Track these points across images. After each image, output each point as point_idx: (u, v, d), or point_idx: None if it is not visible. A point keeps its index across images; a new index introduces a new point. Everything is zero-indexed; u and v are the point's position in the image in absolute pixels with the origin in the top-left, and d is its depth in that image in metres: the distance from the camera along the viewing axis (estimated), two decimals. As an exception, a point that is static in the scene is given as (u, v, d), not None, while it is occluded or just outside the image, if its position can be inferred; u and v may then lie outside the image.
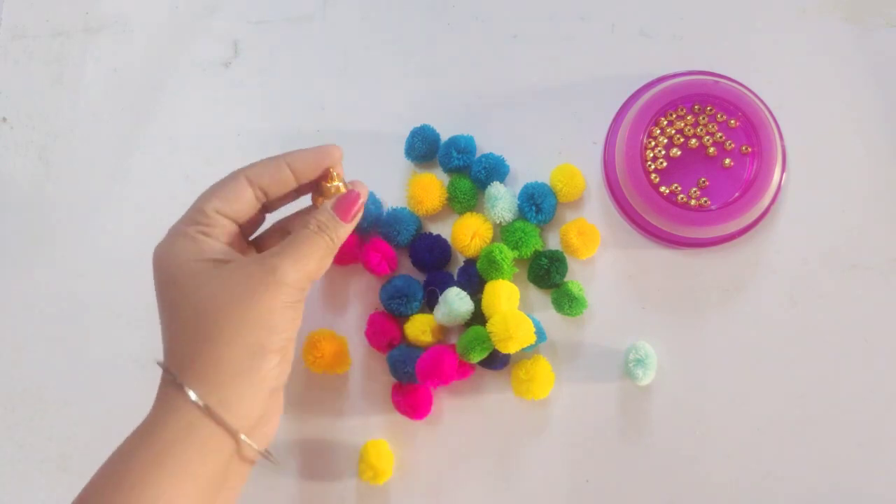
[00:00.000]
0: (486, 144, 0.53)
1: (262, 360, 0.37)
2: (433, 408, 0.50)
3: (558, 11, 0.54)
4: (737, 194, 0.49)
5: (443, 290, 0.48)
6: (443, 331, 0.50)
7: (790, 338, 0.50)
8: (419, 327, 0.49)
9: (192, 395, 0.36)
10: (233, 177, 0.41)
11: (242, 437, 0.37)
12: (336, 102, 0.55)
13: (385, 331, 0.49)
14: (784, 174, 0.51)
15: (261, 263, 0.38)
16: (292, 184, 0.42)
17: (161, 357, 0.40)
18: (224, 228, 0.40)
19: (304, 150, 0.42)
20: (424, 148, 0.52)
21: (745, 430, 0.50)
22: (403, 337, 0.50)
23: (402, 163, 0.53)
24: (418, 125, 0.52)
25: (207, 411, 0.36)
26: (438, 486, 0.50)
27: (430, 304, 0.50)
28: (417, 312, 0.50)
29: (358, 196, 0.42)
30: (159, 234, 0.54)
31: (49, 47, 0.57)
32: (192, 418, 0.36)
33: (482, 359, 0.48)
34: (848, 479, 0.49)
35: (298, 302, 0.39)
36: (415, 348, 0.50)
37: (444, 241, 0.51)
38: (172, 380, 0.37)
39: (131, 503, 0.34)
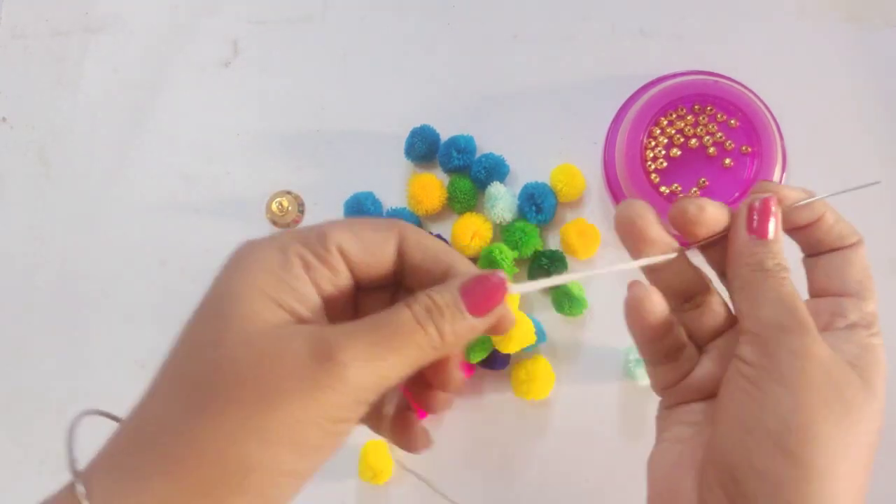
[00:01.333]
0: (486, 144, 0.53)
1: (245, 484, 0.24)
2: (433, 408, 0.50)
3: (558, 11, 0.54)
4: (737, 194, 0.49)
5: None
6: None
7: (790, 338, 0.50)
8: None
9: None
10: (385, 224, 0.28)
11: None
12: (336, 102, 0.55)
13: None
14: (784, 174, 0.51)
15: (317, 341, 0.24)
16: (436, 281, 0.27)
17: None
18: (339, 280, 0.27)
19: (467, 263, 0.28)
20: (424, 148, 0.52)
21: (744, 429, 0.50)
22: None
23: (402, 163, 0.53)
24: (418, 125, 0.52)
25: None
26: (439, 486, 0.50)
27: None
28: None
29: (503, 283, 0.27)
30: (159, 233, 0.54)
31: (49, 47, 0.57)
32: None
33: (482, 359, 0.48)
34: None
35: (350, 418, 0.25)
36: None
37: (444, 241, 0.51)
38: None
39: None
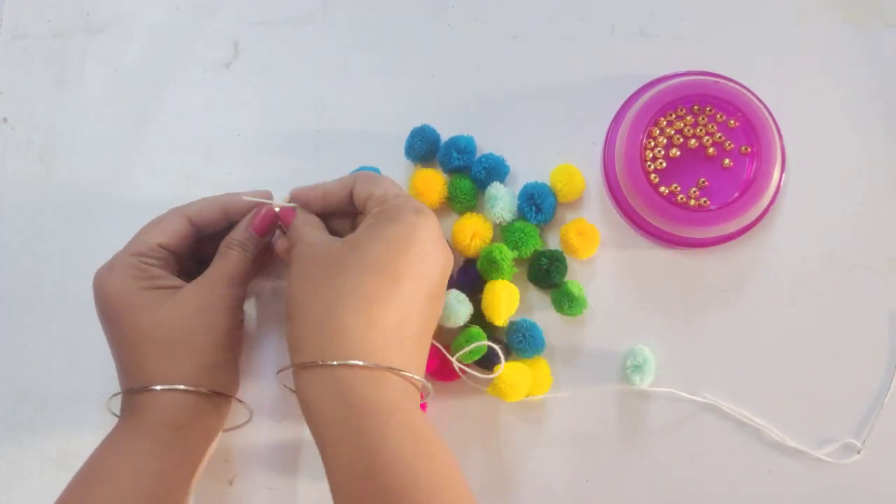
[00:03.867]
0: (486, 144, 0.53)
1: (226, 361, 0.46)
2: (433, 408, 0.50)
3: (558, 11, 0.54)
4: (736, 194, 0.49)
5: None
6: (440, 331, 0.50)
7: (789, 338, 0.50)
8: None
9: (155, 387, 0.43)
10: (174, 214, 0.47)
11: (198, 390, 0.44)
12: (336, 103, 0.55)
13: None
14: (783, 174, 0.51)
15: (207, 287, 0.45)
16: (225, 223, 0.48)
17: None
18: (166, 260, 0.46)
19: (239, 194, 0.48)
20: (424, 148, 0.52)
21: (744, 429, 0.50)
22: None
23: (402, 163, 0.53)
24: (418, 125, 0.52)
25: (162, 392, 0.43)
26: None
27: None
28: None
29: (270, 212, 0.47)
30: (159, 234, 0.54)
31: (49, 47, 0.57)
32: (147, 404, 0.44)
33: (477, 359, 0.48)
34: (847, 478, 0.49)
35: (238, 301, 0.47)
36: None
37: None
38: (134, 393, 0.44)
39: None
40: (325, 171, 0.53)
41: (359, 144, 0.54)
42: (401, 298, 0.40)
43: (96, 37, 0.57)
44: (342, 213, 0.47)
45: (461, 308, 0.48)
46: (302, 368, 0.40)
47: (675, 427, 0.50)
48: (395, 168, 0.53)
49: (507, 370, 0.47)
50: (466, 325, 0.49)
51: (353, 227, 0.46)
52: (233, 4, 0.56)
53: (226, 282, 0.45)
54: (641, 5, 0.54)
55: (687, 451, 0.50)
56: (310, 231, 0.45)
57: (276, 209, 0.47)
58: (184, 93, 0.56)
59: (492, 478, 0.50)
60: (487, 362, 0.49)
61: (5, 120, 0.57)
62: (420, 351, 0.42)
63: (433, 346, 0.49)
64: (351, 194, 0.46)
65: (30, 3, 0.58)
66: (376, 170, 0.52)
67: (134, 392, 0.44)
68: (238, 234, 0.47)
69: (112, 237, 0.54)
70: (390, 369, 0.39)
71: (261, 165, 0.54)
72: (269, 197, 0.48)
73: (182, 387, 0.43)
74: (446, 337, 0.51)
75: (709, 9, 0.54)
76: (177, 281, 0.45)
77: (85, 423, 0.53)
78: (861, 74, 0.52)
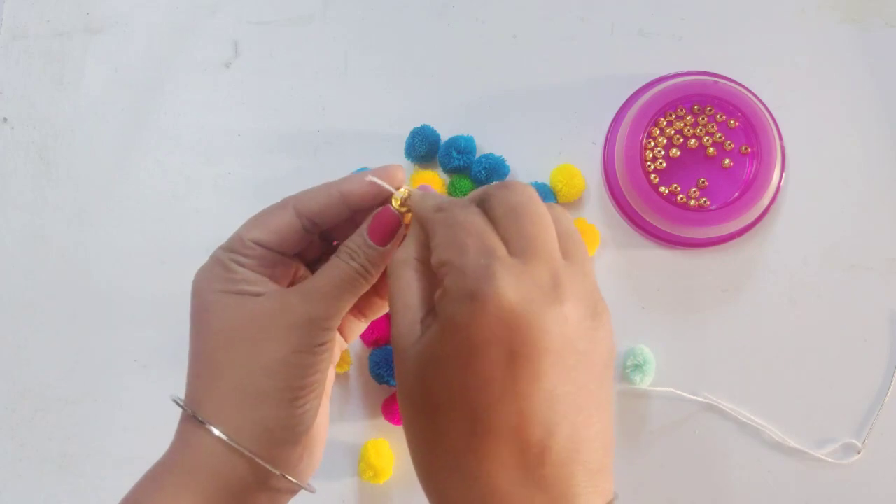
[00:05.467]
0: (486, 144, 0.53)
1: (272, 390, 0.33)
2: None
3: (558, 11, 0.54)
4: (736, 194, 0.49)
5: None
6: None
7: (789, 338, 0.50)
8: None
9: (211, 429, 0.32)
10: (280, 206, 0.36)
11: (274, 470, 0.33)
12: (336, 103, 0.55)
13: (374, 327, 0.50)
14: (783, 174, 0.51)
15: (278, 300, 0.33)
16: (345, 212, 0.35)
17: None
18: (262, 259, 0.35)
19: (361, 173, 0.35)
20: (424, 148, 0.52)
21: (744, 429, 0.50)
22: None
23: (403, 163, 0.53)
24: (418, 125, 0.52)
25: (219, 439, 0.32)
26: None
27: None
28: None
29: (394, 216, 0.34)
30: (160, 234, 0.54)
31: (49, 47, 0.57)
32: (204, 445, 0.32)
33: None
34: (847, 478, 0.49)
35: (320, 345, 0.33)
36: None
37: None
38: (188, 413, 0.34)
39: None
40: (326, 171, 0.53)
41: (359, 144, 0.54)
42: None
43: (96, 37, 0.57)
44: None
45: None
46: None
47: (675, 427, 0.50)
48: (395, 168, 0.53)
49: None
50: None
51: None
52: (233, 4, 0.56)
53: (313, 297, 0.33)
54: (641, 5, 0.54)
55: (687, 451, 0.50)
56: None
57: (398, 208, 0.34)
58: (184, 93, 0.56)
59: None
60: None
61: (5, 120, 0.57)
62: None
63: None
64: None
65: (30, 3, 0.58)
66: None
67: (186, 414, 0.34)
68: (353, 240, 0.35)
69: (112, 237, 0.55)
70: None
71: (261, 165, 0.54)
72: (398, 174, 0.35)
73: (217, 432, 0.32)
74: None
75: (709, 9, 0.53)
76: (270, 287, 0.35)
77: (85, 423, 0.53)
78: (861, 74, 0.52)
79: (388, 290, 0.31)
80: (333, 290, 0.33)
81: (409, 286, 0.30)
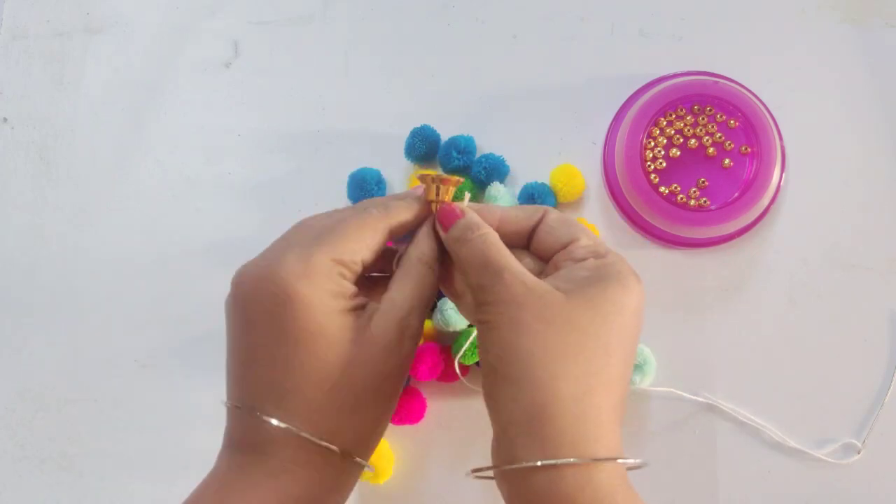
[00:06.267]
0: (486, 144, 0.53)
1: (385, 408, 0.34)
2: (433, 408, 0.50)
3: (558, 11, 0.54)
4: (736, 194, 0.49)
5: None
6: (438, 334, 0.50)
7: (789, 338, 0.50)
8: None
9: (298, 432, 0.32)
10: (377, 226, 0.35)
11: (358, 460, 0.33)
12: (336, 102, 0.55)
13: None
14: (783, 174, 0.51)
15: (389, 317, 0.33)
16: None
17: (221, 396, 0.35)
18: (356, 275, 0.34)
19: (404, 202, 0.36)
20: (424, 148, 0.52)
21: (744, 429, 0.50)
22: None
23: (403, 163, 0.53)
24: (418, 125, 0.52)
25: (306, 440, 0.32)
26: (438, 486, 0.50)
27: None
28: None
29: (454, 206, 0.35)
30: (159, 233, 0.54)
31: (49, 47, 0.57)
32: (290, 448, 0.32)
33: (478, 360, 0.48)
34: (847, 478, 0.49)
35: (418, 339, 0.35)
36: None
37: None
38: (258, 420, 0.32)
39: None
40: (325, 171, 0.53)
41: (359, 144, 0.54)
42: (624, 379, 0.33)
43: (96, 37, 0.57)
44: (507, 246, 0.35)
45: (459, 318, 0.48)
46: (551, 467, 0.30)
47: (675, 427, 0.50)
48: (395, 168, 0.53)
49: None
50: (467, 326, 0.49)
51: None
52: (233, 4, 0.56)
53: (418, 310, 0.34)
54: (641, 5, 0.54)
55: (687, 451, 0.50)
56: (512, 261, 0.33)
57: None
58: (184, 93, 0.56)
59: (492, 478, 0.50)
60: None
61: (5, 120, 0.57)
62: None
63: (435, 347, 0.49)
64: (533, 228, 0.35)
65: (30, 3, 0.58)
66: (376, 171, 0.52)
67: (273, 431, 0.32)
68: (425, 245, 0.35)
69: (112, 237, 0.54)
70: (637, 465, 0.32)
71: (261, 165, 0.54)
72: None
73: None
74: (447, 339, 0.51)
75: (709, 9, 0.53)
76: (363, 300, 0.34)
77: (85, 423, 0.53)
78: (861, 74, 0.52)
79: (489, 251, 0.33)
80: (421, 301, 0.34)
81: (515, 255, 0.34)
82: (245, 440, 0.32)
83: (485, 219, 0.35)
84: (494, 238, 0.34)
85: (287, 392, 0.32)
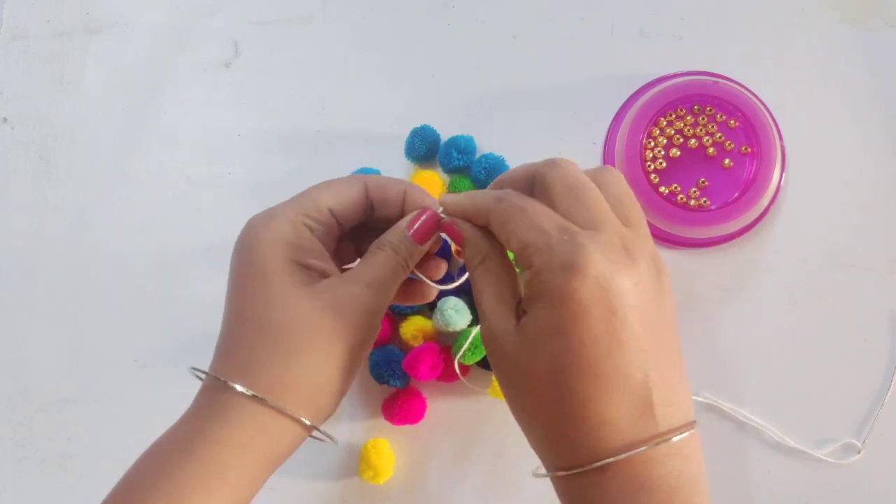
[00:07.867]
0: (486, 144, 0.53)
1: (340, 381, 0.34)
2: (433, 408, 0.50)
3: (558, 11, 0.54)
4: (736, 194, 0.49)
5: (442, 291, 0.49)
6: (438, 334, 0.50)
7: (789, 338, 0.50)
8: (412, 331, 0.49)
9: (249, 392, 0.33)
10: (352, 179, 0.37)
11: (313, 426, 0.34)
12: (336, 102, 0.55)
13: None
14: (783, 174, 0.51)
15: (348, 290, 0.34)
16: (396, 209, 0.37)
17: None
18: (331, 230, 0.36)
19: (420, 189, 0.37)
20: (424, 148, 0.52)
21: (744, 429, 0.50)
22: (397, 336, 0.50)
23: (403, 163, 0.53)
24: (418, 125, 0.52)
25: (267, 404, 0.33)
26: (438, 486, 0.50)
27: (429, 304, 0.50)
28: (416, 313, 0.50)
29: (436, 218, 0.36)
30: (159, 233, 0.54)
31: (49, 47, 0.57)
32: (252, 411, 0.33)
33: (478, 360, 0.48)
34: (847, 478, 0.49)
35: (374, 314, 0.35)
36: (394, 351, 0.49)
37: (444, 242, 0.51)
38: (222, 385, 0.33)
39: (200, 474, 0.33)
40: (325, 171, 0.53)
41: (359, 144, 0.54)
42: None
43: (96, 37, 0.57)
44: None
45: (459, 318, 0.48)
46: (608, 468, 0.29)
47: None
48: (395, 168, 0.53)
49: None
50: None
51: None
52: (233, 4, 0.56)
53: (365, 283, 0.34)
54: (641, 5, 0.54)
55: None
56: (487, 302, 0.33)
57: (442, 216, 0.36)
58: (184, 93, 0.56)
59: (492, 478, 0.50)
60: (488, 364, 0.49)
61: (5, 120, 0.57)
62: None
63: (435, 347, 0.49)
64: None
65: (30, 3, 0.58)
66: (377, 171, 0.52)
67: (223, 386, 0.34)
68: (392, 235, 0.36)
69: (112, 237, 0.55)
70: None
71: (261, 165, 0.54)
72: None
73: (268, 401, 0.33)
74: (447, 339, 0.51)
75: (709, 9, 0.54)
76: (328, 265, 0.35)
77: (85, 423, 0.53)
78: (861, 74, 0.52)
79: (476, 291, 0.33)
80: (388, 280, 0.35)
81: (497, 280, 0.33)
82: (201, 395, 0.36)
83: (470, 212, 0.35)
84: (476, 277, 0.34)
85: (228, 340, 0.34)
